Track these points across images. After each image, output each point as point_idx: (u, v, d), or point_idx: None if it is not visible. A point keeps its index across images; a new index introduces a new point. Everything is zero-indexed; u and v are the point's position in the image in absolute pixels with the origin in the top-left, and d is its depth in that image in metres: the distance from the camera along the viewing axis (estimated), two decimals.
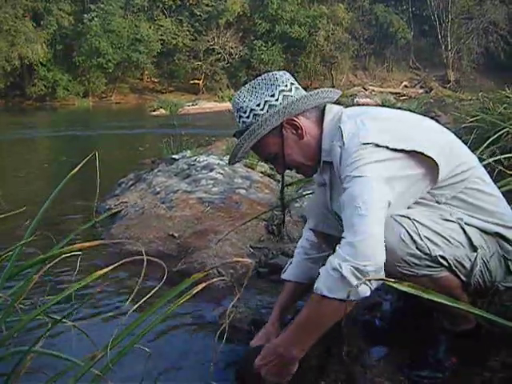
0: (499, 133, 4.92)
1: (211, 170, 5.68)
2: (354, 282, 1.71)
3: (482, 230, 2.01)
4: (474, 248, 1.97)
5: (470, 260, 1.98)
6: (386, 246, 1.79)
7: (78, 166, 2.05)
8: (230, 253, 3.56)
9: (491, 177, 2.21)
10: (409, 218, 1.92)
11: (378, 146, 1.88)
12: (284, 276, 2.49)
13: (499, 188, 2.24)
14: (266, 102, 2.05)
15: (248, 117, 2.07)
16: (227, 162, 2.35)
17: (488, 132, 5.72)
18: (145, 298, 1.35)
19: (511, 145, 4.91)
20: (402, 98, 31.92)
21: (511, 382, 1.88)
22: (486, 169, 2.23)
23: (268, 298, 2.90)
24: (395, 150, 1.89)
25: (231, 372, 2.18)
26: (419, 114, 2.30)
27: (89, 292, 2.91)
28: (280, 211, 3.94)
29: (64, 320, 1.68)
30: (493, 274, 2.04)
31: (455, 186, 2.02)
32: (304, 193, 4.21)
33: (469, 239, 1.97)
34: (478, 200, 2.04)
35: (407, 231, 1.90)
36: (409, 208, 1.98)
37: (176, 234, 4.02)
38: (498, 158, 3.47)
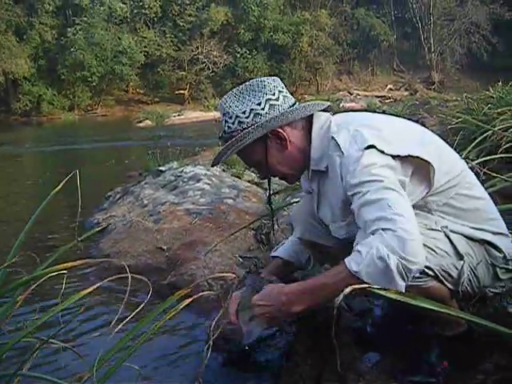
0: (484, 134, 4.94)
1: (198, 181, 5.66)
2: (397, 277, 1.68)
3: (468, 237, 2.00)
4: (460, 256, 1.96)
5: (456, 268, 1.96)
6: None
7: (60, 185, 2.03)
8: (219, 263, 3.54)
9: (478, 178, 2.21)
10: None
11: (377, 149, 1.87)
12: (273, 253, 2.53)
13: (486, 189, 2.24)
14: (251, 110, 2.03)
15: (233, 123, 2.06)
16: (211, 164, 2.32)
17: (474, 133, 5.75)
18: (129, 318, 1.33)
19: (496, 146, 4.92)
20: (387, 100, 32.10)
21: (505, 383, 1.87)
22: (472, 170, 2.24)
23: None
24: (392, 156, 1.88)
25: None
26: (403, 117, 2.30)
27: (76, 310, 2.87)
28: (268, 219, 3.92)
29: (51, 340, 1.66)
30: (481, 280, 2.03)
31: (447, 192, 2.01)
32: (292, 200, 4.20)
33: (454, 248, 1.95)
34: (468, 206, 2.04)
35: None
36: None
37: (164, 247, 3.99)
38: (483, 159, 3.47)
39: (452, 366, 2.06)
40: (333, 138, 1.99)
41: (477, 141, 4.74)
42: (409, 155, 1.89)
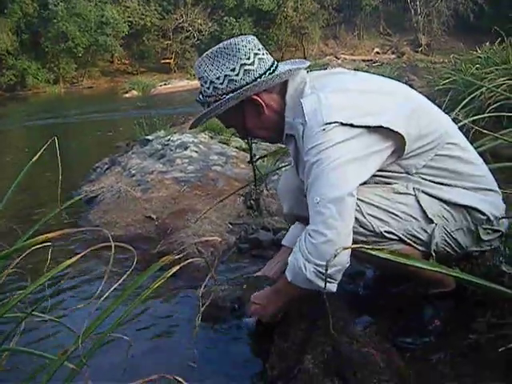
0: (473, 94, 4.91)
1: (186, 149, 5.62)
2: (320, 283, 1.79)
3: (447, 201, 1.98)
4: (430, 220, 1.96)
5: (425, 232, 1.97)
6: None
7: (37, 155, 1.99)
8: (209, 231, 3.52)
9: (468, 138, 2.17)
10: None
11: (342, 124, 1.81)
12: (282, 242, 2.63)
13: (476, 149, 2.21)
14: (225, 76, 1.97)
15: (208, 88, 2.01)
16: (189, 127, 2.32)
17: (462, 93, 5.72)
18: (115, 285, 1.30)
19: (484, 106, 4.90)
20: (374, 64, 31.83)
21: (497, 342, 1.86)
22: (461, 130, 2.20)
23: (251, 274, 2.86)
24: (360, 126, 1.83)
25: (214, 353, 2.17)
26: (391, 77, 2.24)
27: (61, 281, 2.85)
28: (257, 185, 3.90)
29: (36, 313, 1.62)
30: (461, 242, 2.03)
31: (425, 155, 1.98)
32: (281, 165, 4.16)
33: (423, 211, 1.96)
34: (451, 165, 2.01)
35: None
36: (364, 183, 1.92)
37: (154, 216, 3.96)
38: (472, 118, 3.44)
39: (444, 324, 2.07)
40: (301, 102, 1.93)
41: (465, 101, 4.70)
42: (380, 126, 1.84)
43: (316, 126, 1.83)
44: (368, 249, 1.43)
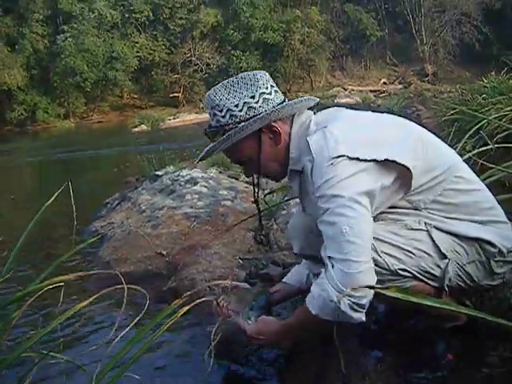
0: (479, 124, 4.92)
1: (195, 184, 5.64)
2: (352, 314, 1.78)
3: (458, 235, 1.98)
4: (443, 255, 1.95)
5: (439, 267, 1.96)
6: None
7: (52, 198, 2.01)
8: (219, 266, 3.52)
9: (475, 168, 2.18)
10: None
11: (349, 158, 1.83)
12: (284, 279, 2.59)
13: (484, 179, 2.22)
14: (244, 103, 1.99)
15: (224, 116, 2.01)
16: (197, 159, 2.28)
17: (469, 124, 5.73)
18: (127, 329, 1.31)
19: (492, 135, 4.90)
20: (381, 95, 32.03)
21: (510, 376, 1.86)
22: (468, 161, 2.21)
23: None
24: (366, 160, 1.84)
25: None
26: (394, 113, 2.27)
27: (75, 322, 2.85)
28: (265, 220, 3.91)
29: (51, 353, 1.64)
30: (473, 276, 2.02)
31: (433, 189, 1.99)
32: (289, 198, 4.17)
33: (437, 247, 1.95)
34: (459, 200, 2.01)
35: None
36: (375, 220, 1.94)
37: (164, 252, 3.97)
38: (477, 151, 3.45)
39: (456, 358, 2.05)
40: (307, 140, 1.95)
41: (471, 131, 4.71)
42: (386, 159, 1.86)
43: (324, 162, 1.85)
44: (382, 289, 1.43)
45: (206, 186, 5.54)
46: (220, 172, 6.46)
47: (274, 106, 2.00)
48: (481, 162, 2.72)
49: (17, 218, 6.56)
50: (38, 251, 4.58)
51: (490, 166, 2.56)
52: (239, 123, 1.98)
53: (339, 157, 1.83)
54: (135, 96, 45.19)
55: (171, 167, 7.07)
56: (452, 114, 7.07)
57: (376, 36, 46.69)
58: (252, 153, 2.08)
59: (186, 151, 10.34)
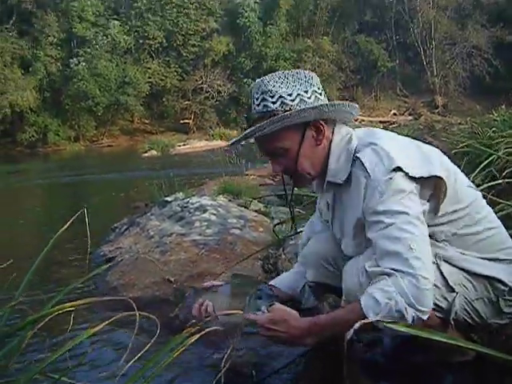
0: (490, 158, 4.94)
1: (204, 212, 5.64)
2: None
3: (469, 271, 1.98)
4: (450, 288, 1.96)
5: (446, 300, 1.97)
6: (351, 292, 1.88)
7: (65, 226, 2.03)
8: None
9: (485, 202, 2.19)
10: None
11: (402, 171, 1.86)
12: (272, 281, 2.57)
13: (496, 213, 2.23)
14: (298, 94, 2.00)
15: (274, 102, 2.00)
16: (230, 143, 2.27)
17: (479, 157, 5.75)
18: (135, 358, 1.32)
19: (502, 169, 4.91)
20: (391, 126, 32.05)
21: None
22: None
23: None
24: (415, 178, 1.88)
25: None
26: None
27: (84, 348, 2.85)
28: (275, 249, 3.91)
29: (63, 378, 1.65)
30: (481, 313, 2.02)
31: (456, 223, 2.00)
32: (299, 229, 4.18)
33: (445, 279, 1.95)
34: (476, 236, 2.02)
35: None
36: None
37: (172, 279, 3.97)
38: (490, 184, 3.46)
39: None
40: (357, 157, 1.97)
41: (482, 165, 4.73)
42: (431, 175, 1.89)
43: (381, 176, 1.88)
44: (390, 323, 1.44)
45: (215, 214, 5.55)
46: (229, 200, 6.47)
47: (328, 105, 2.02)
48: (489, 196, 2.73)
49: (26, 241, 6.59)
50: (48, 275, 4.58)
51: (500, 201, 2.57)
52: (291, 111, 1.98)
53: (395, 169, 1.86)
54: (146, 121, 45.54)
55: (180, 193, 7.09)
56: (462, 147, 7.09)
57: (386, 67, 47.03)
58: (291, 145, 2.05)
59: (195, 178, 10.38)
